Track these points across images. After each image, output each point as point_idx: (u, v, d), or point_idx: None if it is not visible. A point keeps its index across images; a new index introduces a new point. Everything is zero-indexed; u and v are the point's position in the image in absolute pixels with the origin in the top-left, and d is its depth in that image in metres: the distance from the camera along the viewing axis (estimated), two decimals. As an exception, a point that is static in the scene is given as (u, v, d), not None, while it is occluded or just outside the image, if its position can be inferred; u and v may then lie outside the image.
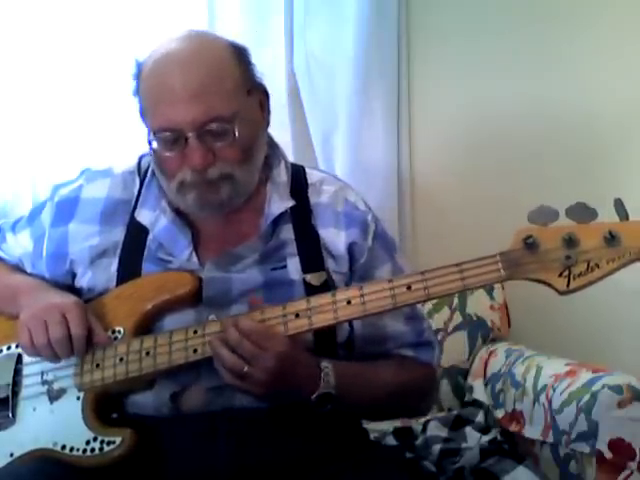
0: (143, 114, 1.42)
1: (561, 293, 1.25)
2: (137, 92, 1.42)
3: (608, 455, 1.64)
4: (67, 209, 1.51)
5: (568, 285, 1.24)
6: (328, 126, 2.43)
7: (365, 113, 2.41)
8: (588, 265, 1.24)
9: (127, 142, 2.20)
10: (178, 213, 1.45)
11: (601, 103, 2.35)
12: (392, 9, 2.41)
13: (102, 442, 1.34)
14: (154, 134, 1.36)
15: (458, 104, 2.47)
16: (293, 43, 2.37)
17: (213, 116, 1.34)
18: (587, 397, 1.68)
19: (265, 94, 1.46)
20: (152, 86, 1.37)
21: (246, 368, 1.27)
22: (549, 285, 1.25)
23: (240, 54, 1.41)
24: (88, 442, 1.34)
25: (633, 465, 1.64)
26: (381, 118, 2.43)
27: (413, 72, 2.48)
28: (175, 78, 1.34)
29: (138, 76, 1.41)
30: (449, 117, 2.48)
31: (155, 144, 1.37)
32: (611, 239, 1.23)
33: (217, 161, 1.36)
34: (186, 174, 1.37)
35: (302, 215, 1.47)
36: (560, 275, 1.25)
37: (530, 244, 1.25)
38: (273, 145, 1.51)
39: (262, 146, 1.45)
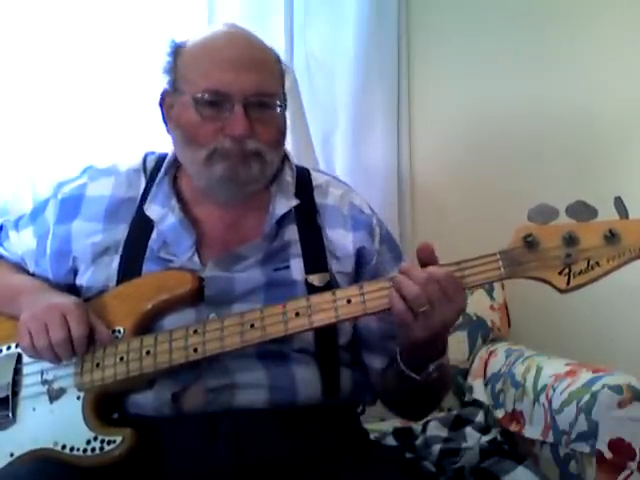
0: (178, 84, 1.42)
1: (561, 291, 1.25)
2: (172, 68, 1.43)
3: (608, 455, 1.64)
4: (71, 207, 1.51)
5: (568, 283, 1.24)
6: (328, 126, 2.43)
7: (365, 113, 2.41)
8: (588, 263, 1.24)
9: (127, 141, 2.21)
10: (185, 213, 1.46)
11: (601, 103, 2.35)
12: (392, 9, 2.42)
13: (102, 442, 1.34)
14: (196, 98, 1.37)
15: (458, 104, 2.47)
16: (293, 43, 2.37)
17: (262, 89, 1.38)
18: (587, 397, 1.68)
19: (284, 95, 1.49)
20: (203, 54, 1.40)
21: (426, 307, 1.23)
22: (549, 283, 1.26)
23: (280, 61, 1.48)
24: (88, 442, 1.34)
25: (633, 465, 1.64)
26: (381, 118, 2.43)
27: (413, 72, 2.48)
28: (230, 49, 1.39)
29: (176, 52, 1.43)
30: (449, 117, 2.49)
31: (194, 108, 1.38)
32: (611, 237, 1.23)
33: (255, 136, 1.38)
34: (223, 142, 1.38)
35: (307, 215, 1.48)
36: (560, 273, 1.25)
37: (530, 242, 1.25)
38: None
39: (285, 141, 1.48)
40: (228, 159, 1.38)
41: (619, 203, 1.24)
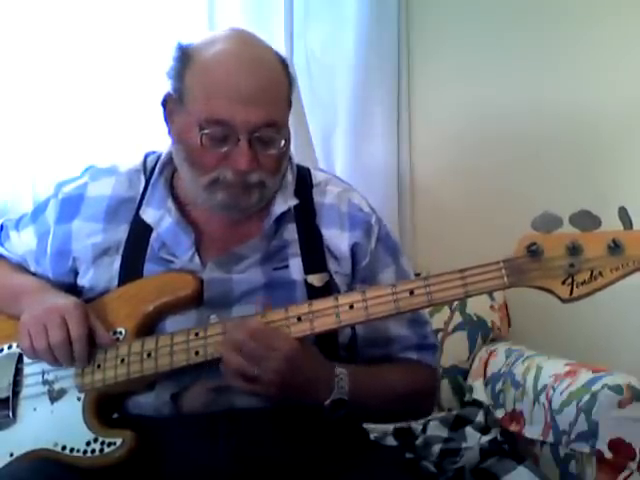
0: (184, 96, 1.38)
1: (564, 301, 1.25)
2: (179, 76, 1.38)
3: (608, 455, 1.65)
4: (72, 206, 1.50)
5: (571, 293, 1.24)
6: (328, 126, 2.43)
7: (365, 113, 2.41)
8: (592, 273, 1.23)
9: (128, 141, 2.21)
10: (183, 213, 1.45)
11: (601, 103, 2.35)
12: (392, 9, 2.42)
13: (102, 443, 1.34)
14: (201, 127, 1.34)
15: (458, 104, 2.47)
16: (293, 43, 2.37)
17: (269, 122, 1.34)
18: (587, 397, 1.68)
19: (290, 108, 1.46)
20: (213, 76, 1.34)
21: (256, 370, 1.26)
22: (552, 293, 1.25)
23: (287, 66, 1.42)
24: (88, 443, 1.34)
25: (633, 465, 1.65)
26: (381, 118, 2.43)
27: (413, 72, 2.48)
28: (242, 77, 1.33)
29: (183, 61, 1.38)
30: (449, 117, 2.49)
31: (199, 137, 1.34)
32: (615, 247, 1.22)
33: (259, 168, 1.36)
34: (225, 173, 1.36)
35: (306, 215, 1.47)
36: (563, 283, 1.24)
37: (534, 251, 1.24)
38: None
39: (288, 157, 1.47)
40: (230, 188, 1.37)
41: (623, 213, 1.23)
